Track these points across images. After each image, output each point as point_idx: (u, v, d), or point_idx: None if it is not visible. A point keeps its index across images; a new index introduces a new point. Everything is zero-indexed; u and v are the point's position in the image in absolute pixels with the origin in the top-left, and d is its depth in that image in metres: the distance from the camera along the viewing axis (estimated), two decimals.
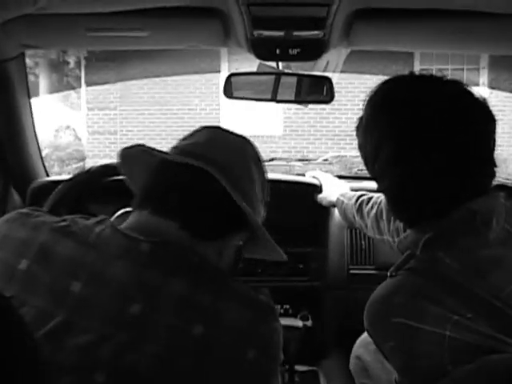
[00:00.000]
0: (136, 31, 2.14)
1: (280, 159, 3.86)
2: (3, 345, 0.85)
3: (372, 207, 2.29)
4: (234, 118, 12.82)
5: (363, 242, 2.92)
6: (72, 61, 13.76)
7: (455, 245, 1.42)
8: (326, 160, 4.00)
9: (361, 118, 1.61)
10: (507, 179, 3.22)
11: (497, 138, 1.50)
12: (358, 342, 2.33)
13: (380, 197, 2.28)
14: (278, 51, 2.14)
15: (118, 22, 2.05)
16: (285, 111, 13.02)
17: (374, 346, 2.18)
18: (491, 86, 12.31)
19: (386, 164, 1.50)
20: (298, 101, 2.70)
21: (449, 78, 1.54)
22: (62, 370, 1.16)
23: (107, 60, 12.70)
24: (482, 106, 1.50)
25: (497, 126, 1.50)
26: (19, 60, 2.67)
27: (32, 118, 2.85)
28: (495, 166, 1.50)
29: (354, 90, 12.09)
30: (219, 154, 1.43)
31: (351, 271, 2.92)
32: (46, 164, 3.10)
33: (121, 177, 1.61)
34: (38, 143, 2.96)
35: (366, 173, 3.15)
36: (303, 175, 3.11)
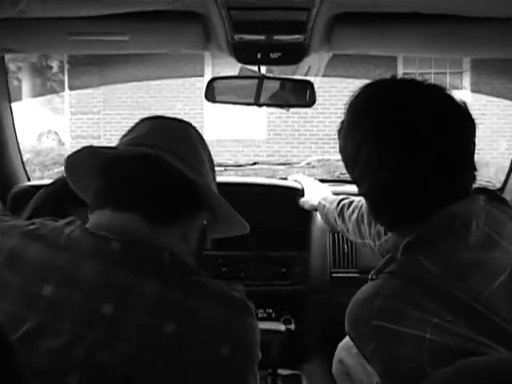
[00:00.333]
0: (117, 35, 2.13)
1: (263, 163, 3.86)
2: None
3: (353, 211, 2.30)
4: (217, 122, 12.82)
5: (346, 246, 2.92)
6: (55, 65, 13.73)
7: (435, 248, 1.42)
8: (308, 164, 3.99)
9: (342, 122, 1.61)
10: (489, 182, 3.23)
11: (479, 142, 1.52)
12: (340, 345, 2.33)
13: (361, 201, 2.28)
14: (259, 55, 2.14)
15: (99, 26, 2.05)
16: (268, 115, 13.03)
17: (356, 350, 2.19)
18: (473, 90, 12.37)
19: (367, 167, 1.50)
20: (281, 104, 2.70)
21: (430, 82, 1.54)
22: (35, 374, 1.16)
23: (90, 64, 12.67)
24: (461, 109, 1.51)
25: (476, 129, 1.51)
26: None
27: (13, 122, 2.84)
28: (475, 169, 1.51)
29: (337, 94, 12.12)
30: (165, 140, 1.43)
31: (334, 275, 2.92)
32: (28, 169, 3.08)
33: None
34: (18, 147, 2.95)
35: (348, 176, 3.17)
36: (286, 179, 3.11)
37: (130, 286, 1.23)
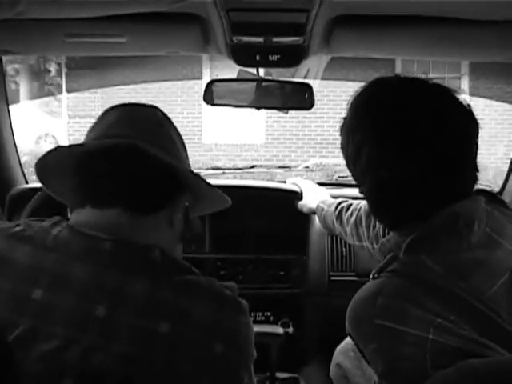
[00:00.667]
0: (115, 37, 2.12)
1: (261, 166, 3.86)
2: None
3: (352, 214, 2.29)
4: (215, 126, 12.82)
5: (344, 249, 2.92)
6: (53, 68, 13.73)
7: (437, 248, 1.42)
8: (307, 167, 3.99)
9: (345, 118, 1.61)
10: (487, 186, 3.23)
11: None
12: (338, 349, 2.33)
13: (360, 203, 2.28)
14: (257, 57, 2.14)
15: (98, 28, 2.04)
16: (266, 119, 13.04)
17: (354, 354, 2.19)
18: (472, 94, 12.38)
19: (368, 166, 1.50)
20: (279, 107, 2.70)
21: (433, 81, 1.55)
22: (29, 379, 1.15)
23: (88, 68, 12.67)
24: (464, 109, 1.51)
25: (479, 130, 1.51)
26: None
27: (10, 124, 2.84)
28: (477, 170, 1.51)
29: (336, 98, 12.12)
30: (135, 128, 1.41)
31: (332, 278, 2.93)
32: (26, 171, 3.08)
33: None
34: (16, 150, 2.94)
35: (346, 180, 3.17)
36: (284, 182, 3.11)
37: (121, 287, 1.22)
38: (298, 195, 2.87)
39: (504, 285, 1.39)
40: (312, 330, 3.00)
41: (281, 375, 2.70)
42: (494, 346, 1.29)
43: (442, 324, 1.30)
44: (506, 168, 2.95)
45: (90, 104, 13.75)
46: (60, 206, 1.93)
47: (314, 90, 2.44)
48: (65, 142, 13.81)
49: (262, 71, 2.43)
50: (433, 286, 1.37)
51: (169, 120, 1.53)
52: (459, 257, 1.40)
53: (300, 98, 2.45)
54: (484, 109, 12.09)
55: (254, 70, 2.40)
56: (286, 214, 2.95)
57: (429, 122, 1.45)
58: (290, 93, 2.48)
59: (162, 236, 1.38)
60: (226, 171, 3.53)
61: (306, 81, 2.50)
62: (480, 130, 1.52)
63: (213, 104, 2.48)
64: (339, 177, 3.47)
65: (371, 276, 1.49)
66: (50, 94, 14.09)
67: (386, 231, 2.02)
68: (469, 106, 1.52)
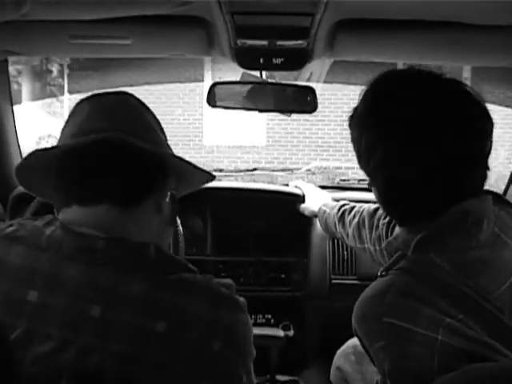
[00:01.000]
0: (120, 39, 2.13)
1: (263, 169, 3.87)
2: None
3: (354, 216, 2.29)
4: (217, 128, 12.81)
5: (345, 253, 2.93)
6: (55, 69, 13.70)
7: (446, 245, 1.42)
8: (309, 170, 4.00)
9: (356, 109, 1.61)
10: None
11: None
12: (338, 352, 2.33)
13: (362, 206, 2.29)
14: (261, 60, 2.14)
15: (102, 30, 2.04)
16: (268, 122, 13.02)
17: (355, 357, 2.19)
18: None
19: (382, 162, 1.49)
20: (282, 110, 2.71)
21: (448, 76, 1.53)
22: (27, 381, 1.14)
23: (90, 69, 12.65)
24: (478, 105, 1.50)
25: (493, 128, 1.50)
26: (2, 66, 2.66)
27: (14, 125, 2.84)
28: (488, 168, 1.51)
29: (337, 102, 12.12)
30: (110, 120, 1.39)
31: (333, 281, 2.93)
32: None
33: None
34: (20, 151, 2.95)
35: (348, 183, 3.16)
36: (287, 185, 3.11)
37: (116, 287, 1.22)
38: (300, 198, 2.87)
39: (511, 286, 1.39)
40: (313, 333, 3.00)
41: (281, 378, 2.71)
42: (502, 349, 1.29)
43: (452, 324, 1.30)
44: (507, 172, 2.94)
45: None
46: None
47: (317, 93, 2.45)
48: None
49: (264, 74, 2.44)
50: (441, 283, 1.37)
51: (143, 105, 1.50)
52: (468, 255, 1.40)
53: (303, 101, 2.45)
54: None
55: (257, 73, 2.41)
56: (287, 216, 2.95)
57: (446, 119, 1.44)
58: (292, 96, 2.48)
59: (151, 224, 1.39)
60: (228, 173, 3.54)
61: (309, 84, 2.50)
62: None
63: (216, 106, 2.48)
64: (341, 180, 3.48)
65: (378, 274, 1.49)
66: (52, 95, 14.07)
67: (389, 232, 2.03)
68: (482, 101, 1.50)
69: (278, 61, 2.13)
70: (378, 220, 2.14)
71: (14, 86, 13.04)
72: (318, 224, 2.80)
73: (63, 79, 13.84)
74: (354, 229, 2.28)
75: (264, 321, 2.93)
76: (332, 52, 2.22)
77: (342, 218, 2.39)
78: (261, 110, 2.58)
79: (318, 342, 3.02)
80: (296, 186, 2.99)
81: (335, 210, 2.45)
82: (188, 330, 1.22)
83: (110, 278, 1.22)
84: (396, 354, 1.35)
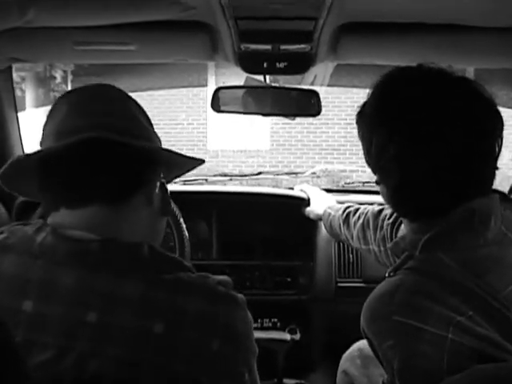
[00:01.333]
0: (124, 45, 2.13)
1: (267, 173, 3.87)
2: None
3: (359, 217, 2.29)
4: (221, 132, 12.82)
5: (351, 256, 2.93)
6: (59, 75, 13.72)
7: (454, 244, 1.42)
8: (313, 173, 3.99)
9: (364, 105, 1.61)
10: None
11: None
12: (344, 356, 2.33)
13: (367, 208, 2.29)
14: (265, 65, 2.14)
15: (106, 36, 2.05)
16: (272, 126, 13.02)
17: (361, 361, 2.19)
18: None
19: (393, 161, 1.48)
20: (286, 114, 2.71)
21: (458, 74, 1.53)
22: None
23: (94, 75, 12.64)
24: (489, 104, 1.49)
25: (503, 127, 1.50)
26: (6, 73, 2.66)
27: (19, 131, 2.84)
28: (496, 167, 1.51)
29: (341, 105, 12.11)
30: (92, 116, 1.35)
31: (339, 284, 2.93)
32: None
33: None
34: None
35: (352, 186, 3.17)
36: (292, 189, 3.11)
37: (112, 290, 1.20)
38: (306, 202, 2.87)
39: None
40: (319, 337, 3.00)
41: (288, 381, 2.71)
42: (509, 347, 1.29)
43: (462, 322, 1.30)
44: (511, 173, 2.94)
45: None
46: None
47: (320, 96, 2.45)
48: None
49: (268, 78, 2.44)
50: (450, 281, 1.36)
51: (125, 96, 1.46)
52: (476, 253, 1.40)
53: (307, 104, 2.45)
54: None
55: (260, 77, 2.41)
56: (293, 220, 2.95)
57: (447, 117, 1.44)
58: (296, 99, 2.49)
59: (142, 218, 1.37)
60: (233, 178, 3.54)
61: (313, 87, 2.50)
62: None
63: (220, 111, 2.48)
64: (345, 183, 3.48)
65: (386, 275, 1.49)
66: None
67: (394, 233, 2.03)
68: (492, 100, 1.50)
69: (281, 65, 2.13)
70: (383, 221, 2.14)
71: (18, 93, 13.05)
72: (323, 227, 2.80)
73: (67, 85, 13.85)
74: (358, 230, 2.28)
75: (270, 324, 2.93)
76: (335, 55, 2.22)
77: (346, 219, 2.39)
78: (265, 115, 2.58)
79: (325, 345, 3.02)
80: (301, 190, 2.99)
81: (340, 212, 2.45)
82: (186, 329, 1.21)
83: (105, 282, 1.21)
84: (405, 353, 1.34)
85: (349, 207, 2.43)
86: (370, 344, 1.47)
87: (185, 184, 3.19)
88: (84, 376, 1.16)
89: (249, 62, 2.18)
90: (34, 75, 13.61)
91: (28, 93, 13.79)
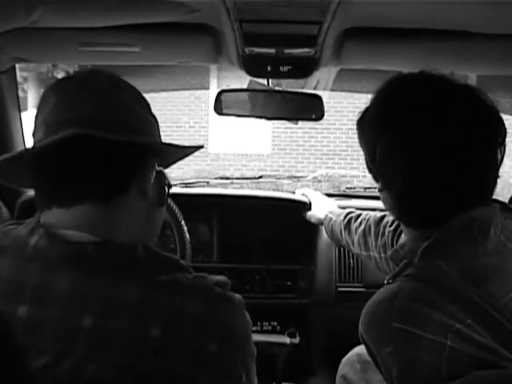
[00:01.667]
0: (128, 46, 2.13)
1: (269, 176, 3.87)
2: None
3: (360, 223, 2.30)
4: (222, 136, 12.82)
5: (351, 260, 2.93)
6: (61, 76, 13.73)
7: (453, 252, 1.42)
8: (315, 178, 4.00)
9: (364, 112, 1.61)
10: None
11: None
12: (343, 360, 2.32)
13: (368, 214, 2.29)
14: (268, 68, 2.15)
15: (111, 37, 2.05)
16: (273, 130, 13.02)
17: (360, 365, 2.18)
18: None
19: (395, 165, 1.48)
20: (288, 118, 2.70)
21: (460, 82, 1.53)
22: None
23: None
24: (491, 112, 1.50)
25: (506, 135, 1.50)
26: (10, 73, 2.67)
27: (22, 131, 2.85)
28: (498, 176, 1.51)
29: (343, 110, 12.11)
30: (76, 108, 1.30)
31: (339, 289, 2.93)
32: None
33: None
34: None
35: (353, 191, 3.17)
36: (293, 193, 3.12)
37: (108, 294, 1.19)
38: (307, 206, 2.87)
39: None
40: (318, 341, 3.01)
41: None
42: (509, 355, 1.29)
43: (460, 330, 1.30)
44: None
45: None
46: None
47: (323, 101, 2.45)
48: None
49: (271, 82, 2.44)
50: (449, 289, 1.36)
51: (116, 83, 1.38)
52: (475, 262, 1.40)
53: (310, 109, 2.45)
54: None
55: (263, 81, 2.41)
56: (294, 224, 2.96)
57: (448, 124, 1.44)
58: (299, 104, 2.49)
59: (137, 212, 1.34)
60: (234, 181, 3.54)
61: (316, 92, 2.51)
62: None
63: (222, 114, 2.48)
64: (347, 188, 3.48)
65: (385, 282, 1.49)
66: None
67: (395, 240, 2.03)
68: (495, 107, 1.50)
69: (285, 69, 2.14)
70: (384, 227, 2.14)
71: (20, 93, 13.05)
72: (324, 231, 2.80)
73: None
74: (359, 236, 2.28)
75: (270, 328, 2.93)
76: (339, 60, 2.23)
77: (348, 225, 2.39)
78: (267, 118, 2.58)
79: (324, 349, 3.02)
80: (303, 194, 2.99)
81: (341, 218, 2.45)
82: (183, 331, 1.20)
83: (101, 285, 1.19)
84: (404, 360, 1.34)
85: (350, 213, 2.44)
86: (368, 350, 1.46)
87: (186, 187, 3.20)
88: (81, 381, 1.14)
89: (252, 65, 2.18)
90: (36, 76, 13.62)
91: (30, 93, 13.79)
